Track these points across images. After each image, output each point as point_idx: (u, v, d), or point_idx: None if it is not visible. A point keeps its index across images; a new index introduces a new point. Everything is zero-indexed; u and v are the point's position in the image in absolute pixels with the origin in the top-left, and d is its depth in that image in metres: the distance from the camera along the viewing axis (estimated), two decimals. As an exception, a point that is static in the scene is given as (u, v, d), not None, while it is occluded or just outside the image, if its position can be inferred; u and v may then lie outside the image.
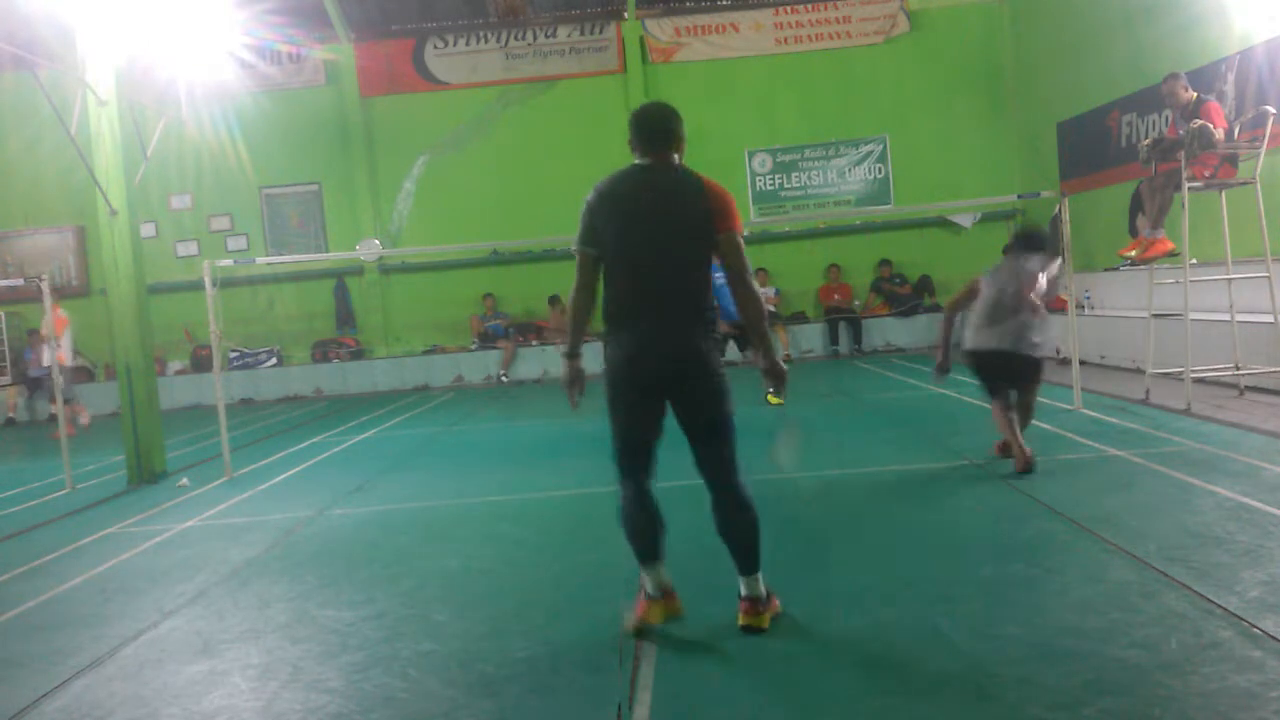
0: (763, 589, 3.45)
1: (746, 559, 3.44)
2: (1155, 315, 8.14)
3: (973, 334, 5.97)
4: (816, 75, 15.57)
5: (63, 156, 10.77)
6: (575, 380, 3.59)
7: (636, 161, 3.46)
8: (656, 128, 3.42)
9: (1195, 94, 7.73)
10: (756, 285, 3.45)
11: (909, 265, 15.36)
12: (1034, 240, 6.20)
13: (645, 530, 3.57)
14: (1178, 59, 9.75)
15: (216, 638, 3.82)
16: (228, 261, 9.48)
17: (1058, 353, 11.17)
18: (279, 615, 4.03)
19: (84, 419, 11.96)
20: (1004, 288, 5.80)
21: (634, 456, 3.57)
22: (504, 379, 14.53)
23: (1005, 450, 5.84)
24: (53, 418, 11.32)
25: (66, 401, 11.08)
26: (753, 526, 3.42)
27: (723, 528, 3.47)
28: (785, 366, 3.63)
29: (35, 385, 14.12)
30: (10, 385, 14.48)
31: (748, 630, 3.40)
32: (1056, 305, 12.47)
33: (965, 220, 15.48)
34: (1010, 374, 5.79)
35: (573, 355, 3.57)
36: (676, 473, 6.65)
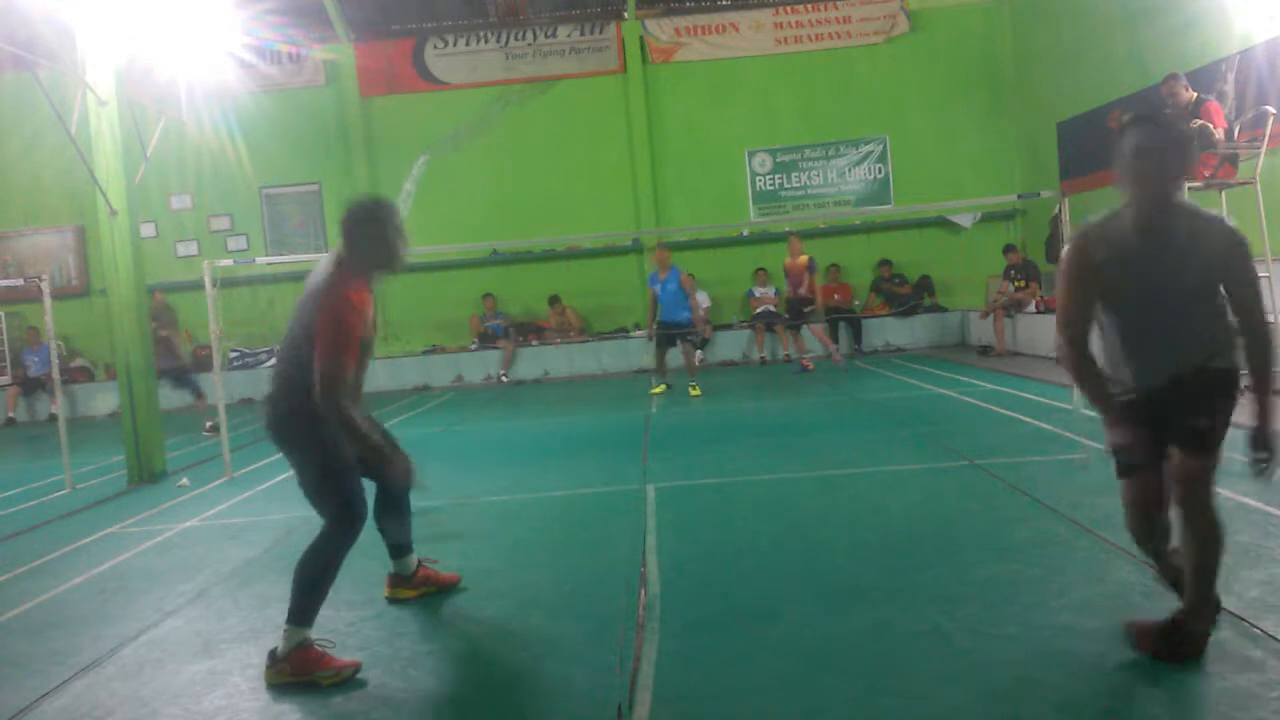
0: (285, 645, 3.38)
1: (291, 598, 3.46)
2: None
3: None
4: (816, 75, 15.58)
5: (63, 156, 10.77)
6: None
7: None
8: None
9: (1195, 94, 7.73)
10: (342, 407, 3.34)
11: (909, 265, 15.36)
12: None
13: (386, 534, 4.10)
14: (1178, 59, 9.75)
15: (216, 638, 3.83)
16: (228, 261, 9.47)
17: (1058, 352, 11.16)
18: (279, 615, 4.01)
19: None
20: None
21: None
22: (504, 379, 14.53)
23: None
24: (52, 418, 11.28)
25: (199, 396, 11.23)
26: (300, 567, 3.50)
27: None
28: (408, 461, 3.71)
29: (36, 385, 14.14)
30: (11, 385, 14.47)
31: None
32: (1055, 305, 12.56)
33: (965, 220, 15.48)
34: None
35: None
36: (691, 472, 6.60)
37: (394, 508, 4.07)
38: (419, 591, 4.14)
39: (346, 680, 3.28)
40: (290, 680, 3.28)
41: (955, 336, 14.83)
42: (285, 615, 3.40)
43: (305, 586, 3.43)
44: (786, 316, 13.31)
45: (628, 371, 14.46)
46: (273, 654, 3.34)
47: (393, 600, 4.10)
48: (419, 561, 4.20)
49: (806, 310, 12.68)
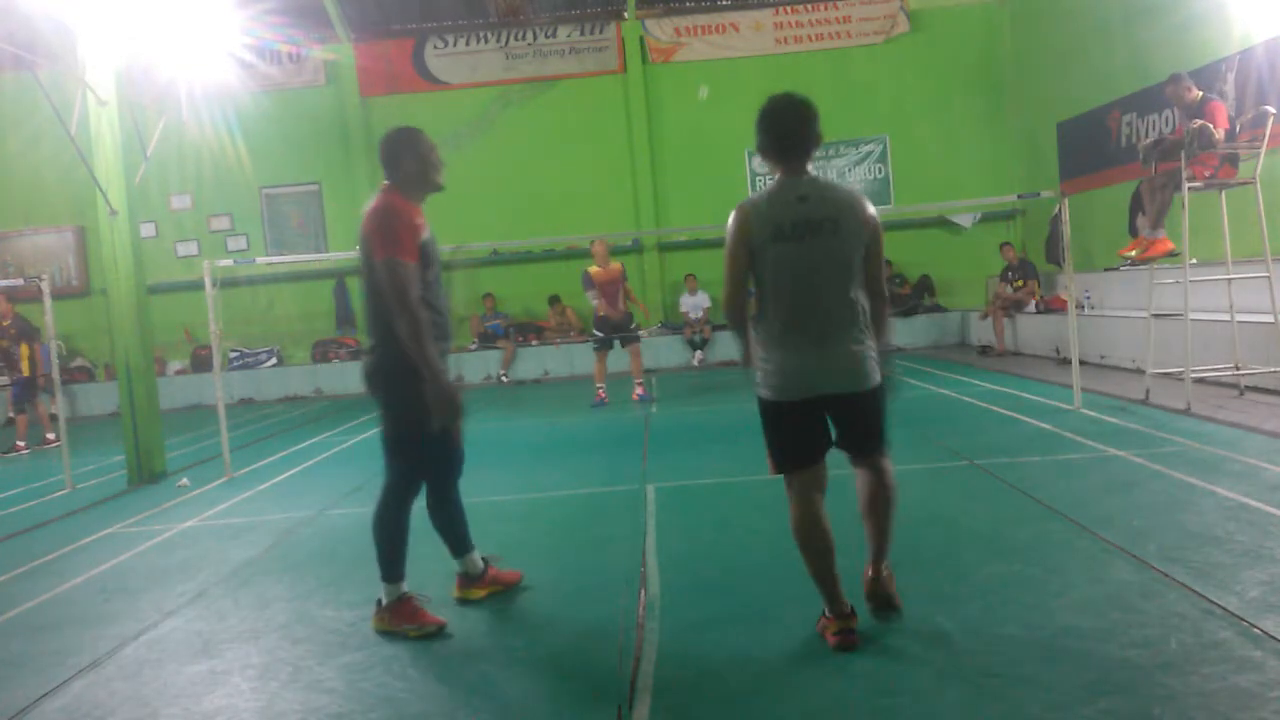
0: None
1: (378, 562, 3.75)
2: (1155, 315, 8.14)
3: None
4: (816, 75, 15.57)
5: (63, 156, 10.77)
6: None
7: None
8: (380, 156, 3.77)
9: (1200, 93, 7.72)
10: (407, 311, 3.46)
11: (909, 265, 15.36)
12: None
13: (442, 531, 4.09)
14: (1178, 59, 9.75)
15: (216, 638, 3.82)
16: (228, 261, 9.49)
17: (1058, 352, 11.17)
18: (279, 615, 4.03)
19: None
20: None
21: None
22: (504, 379, 14.54)
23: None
24: (53, 418, 11.29)
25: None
26: (373, 529, 3.76)
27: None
28: (451, 392, 3.54)
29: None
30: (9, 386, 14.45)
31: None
32: (1055, 304, 12.56)
33: (965, 220, 15.49)
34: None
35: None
36: (691, 472, 6.60)
37: (444, 503, 4.02)
38: (488, 590, 4.07)
39: (429, 635, 3.60)
40: (387, 629, 3.65)
41: (955, 336, 14.84)
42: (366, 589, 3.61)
43: (380, 544, 3.72)
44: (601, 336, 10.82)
45: (628, 371, 14.44)
46: (379, 602, 3.71)
47: (463, 601, 4.02)
48: (485, 560, 4.14)
49: (635, 327, 11.00)
